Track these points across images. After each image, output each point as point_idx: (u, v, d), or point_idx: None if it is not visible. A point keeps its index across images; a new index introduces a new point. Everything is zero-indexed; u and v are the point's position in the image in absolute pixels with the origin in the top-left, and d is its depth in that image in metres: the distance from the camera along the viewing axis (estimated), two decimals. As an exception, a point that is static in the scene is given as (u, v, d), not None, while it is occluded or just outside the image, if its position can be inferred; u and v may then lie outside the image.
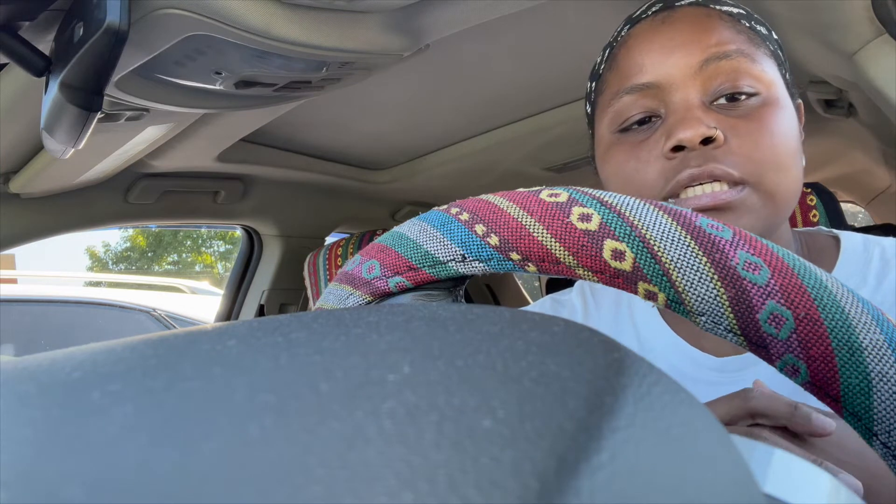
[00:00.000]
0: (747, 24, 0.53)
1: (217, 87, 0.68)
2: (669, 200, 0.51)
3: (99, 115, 0.58)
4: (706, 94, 0.51)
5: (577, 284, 0.68)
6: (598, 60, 0.60)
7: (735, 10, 0.54)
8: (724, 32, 0.51)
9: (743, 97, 0.50)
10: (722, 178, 0.49)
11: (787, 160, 0.50)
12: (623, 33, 0.57)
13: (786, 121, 0.51)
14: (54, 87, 0.55)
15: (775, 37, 0.55)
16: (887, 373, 0.21)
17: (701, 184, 0.49)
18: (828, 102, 1.06)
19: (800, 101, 0.57)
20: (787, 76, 0.55)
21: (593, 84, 0.60)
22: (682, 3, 0.55)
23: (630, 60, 0.54)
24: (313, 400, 0.12)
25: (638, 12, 0.58)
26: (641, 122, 0.53)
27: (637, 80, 0.52)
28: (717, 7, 0.54)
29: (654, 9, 0.56)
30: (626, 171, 0.53)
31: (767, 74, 0.51)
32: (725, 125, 0.49)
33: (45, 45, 0.59)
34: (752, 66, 0.50)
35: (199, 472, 0.10)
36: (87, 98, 0.55)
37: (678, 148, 0.49)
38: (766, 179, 0.49)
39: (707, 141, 0.49)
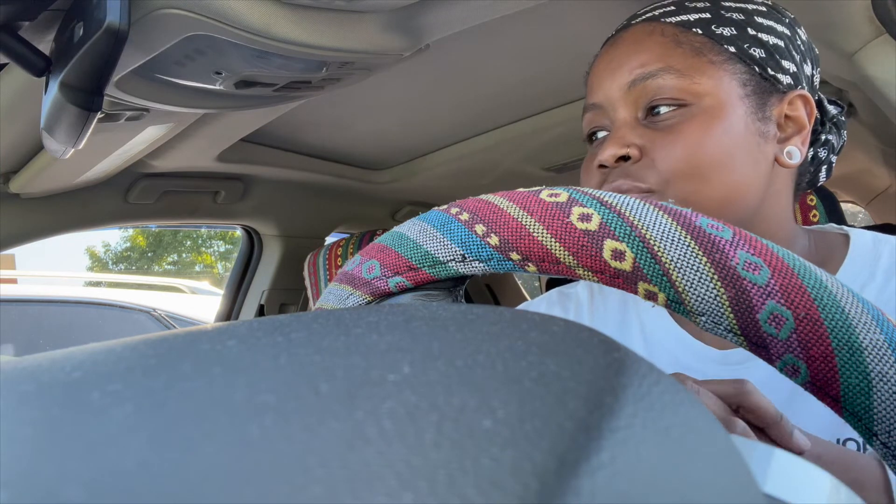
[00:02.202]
0: (700, 32, 0.54)
1: (217, 87, 0.68)
2: None
3: (99, 115, 0.58)
4: (639, 111, 0.55)
5: None
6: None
7: (694, 17, 0.55)
8: (655, 50, 0.54)
9: (672, 108, 0.53)
10: (628, 192, 0.52)
11: (704, 170, 0.51)
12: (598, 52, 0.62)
13: (717, 129, 0.51)
14: (54, 87, 0.54)
15: (752, 32, 0.54)
16: (887, 373, 0.21)
17: None
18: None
19: (804, 93, 0.56)
20: (770, 70, 0.54)
21: None
22: (638, 20, 0.58)
23: (589, 81, 0.60)
24: (313, 400, 0.12)
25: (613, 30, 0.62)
26: (598, 136, 0.59)
27: (589, 101, 0.58)
28: (669, 19, 0.55)
29: (618, 28, 0.60)
30: (584, 180, 0.59)
31: (701, 85, 0.52)
32: (648, 140, 0.53)
33: (45, 45, 0.59)
34: (679, 80, 0.52)
35: (199, 472, 0.10)
36: (87, 98, 0.55)
37: (603, 165, 0.54)
38: (676, 189, 0.51)
39: (626, 158, 0.53)
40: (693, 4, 0.56)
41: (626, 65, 0.55)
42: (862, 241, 0.56)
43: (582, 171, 0.59)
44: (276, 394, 0.13)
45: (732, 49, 0.54)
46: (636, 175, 0.52)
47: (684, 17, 0.55)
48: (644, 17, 0.57)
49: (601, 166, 0.55)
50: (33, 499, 0.10)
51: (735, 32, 0.54)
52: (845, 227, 0.59)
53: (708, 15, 0.55)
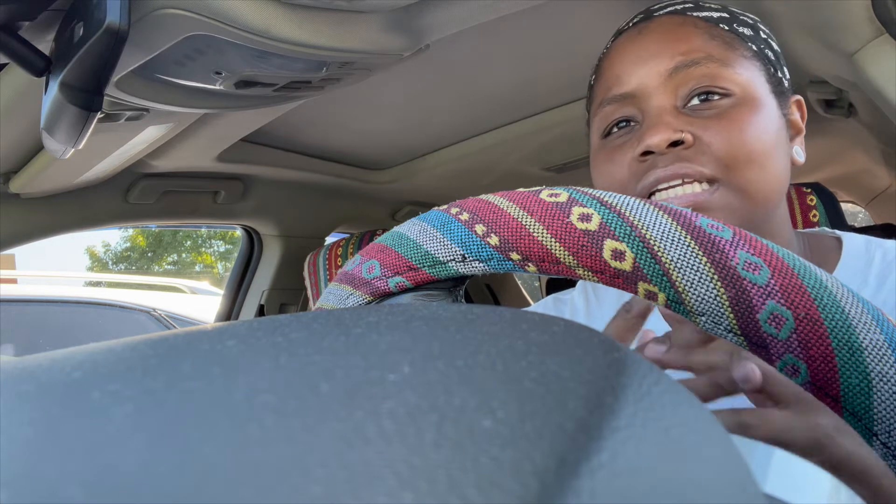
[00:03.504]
0: (726, 28, 0.54)
1: (217, 87, 0.68)
2: None
3: (99, 115, 0.58)
4: (678, 99, 0.53)
5: (579, 283, 0.69)
6: (592, 71, 0.63)
7: (716, 15, 0.55)
8: (694, 40, 0.53)
9: (715, 97, 0.52)
10: (693, 178, 0.51)
11: (761, 157, 0.51)
12: (609, 45, 0.60)
13: (761, 119, 0.51)
14: (54, 87, 0.54)
15: (763, 35, 0.56)
16: (887, 373, 0.21)
17: (672, 186, 0.51)
18: (828, 102, 1.06)
19: (799, 97, 0.58)
20: (779, 73, 0.56)
21: (588, 93, 0.63)
22: (660, 12, 0.57)
23: (610, 71, 0.57)
24: (313, 400, 0.12)
25: (624, 23, 0.61)
26: (621, 126, 0.56)
27: (616, 91, 0.55)
28: (694, 14, 0.55)
29: (635, 20, 0.59)
30: (604, 173, 0.56)
31: (741, 76, 0.52)
32: (697, 126, 0.51)
33: (45, 45, 0.59)
34: (722, 69, 0.52)
35: (199, 473, 0.10)
36: (87, 98, 0.55)
37: (648, 152, 0.52)
38: (738, 176, 0.50)
39: (676, 144, 0.51)
40: (708, 4, 0.57)
41: (665, 52, 0.53)
42: (854, 245, 0.56)
43: (601, 164, 0.56)
44: (276, 394, 0.13)
45: (754, 48, 0.54)
46: (696, 160, 0.50)
47: (707, 14, 0.55)
48: (666, 10, 0.57)
49: (646, 153, 0.52)
50: (33, 499, 0.10)
51: (752, 33, 0.55)
52: (837, 231, 0.59)
53: (727, 14, 0.56)
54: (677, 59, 0.52)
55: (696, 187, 0.50)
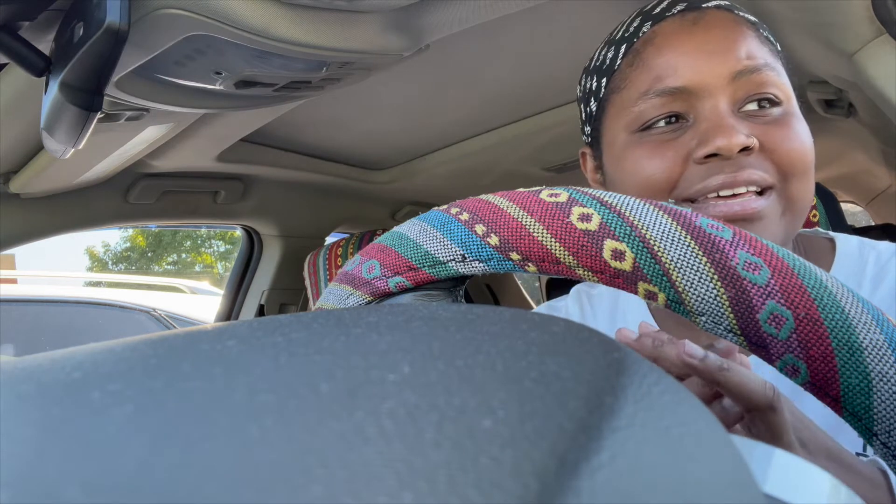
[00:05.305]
0: (765, 34, 0.54)
1: (217, 87, 0.68)
2: (685, 203, 0.51)
3: (99, 115, 0.58)
4: (735, 103, 0.51)
5: (573, 290, 0.68)
6: (610, 56, 0.57)
7: (752, 19, 0.54)
8: (752, 44, 0.52)
9: (767, 105, 0.51)
10: (758, 185, 0.50)
11: (811, 168, 0.51)
12: (645, 29, 0.55)
13: (805, 129, 0.52)
14: (54, 87, 0.54)
15: (778, 46, 0.56)
16: (887, 373, 0.21)
17: (736, 193, 0.50)
18: (828, 102, 1.06)
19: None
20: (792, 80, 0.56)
21: (603, 80, 0.58)
22: (708, 4, 0.54)
23: (661, 60, 0.52)
24: (313, 400, 0.12)
25: (658, 9, 0.56)
26: (668, 122, 0.52)
27: (670, 84, 0.51)
28: (738, 13, 0.54)
29: (678, 7, 0.54)
30: (648, 170, 0.52)
31: (787, 85, 0.52)
32: (756, 132, 0.50)
33: (45, 45, 0.59)
34: (777, 78, 0.51)
35: (199, 473, 0.10)
36: (87, 98, 0.55)
37: (712, 154, 0.49)
38: (792, 186, 0.50)
39: (744, 149, 0.49)
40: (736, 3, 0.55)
41: (730, 52, 0.51)
42: (848, 247, 0.55)
43: (641, 159, 0.52)
44: (276, 394, 0.13)
45: (781, 57, 0.54)
46: (759, 166, 0.49)
47: (745, 15, 0.54)
48: (712, 4, 0.54)
49: (710, 155, 0.49)
50: (33, 499, 0.10)
51: (773, 38, 0.55)
52: (831, 233, 0.59)
53: (753, 18, 0.55)
54: (742, 64, 0.50)
55: (753, 194, 0.50)
